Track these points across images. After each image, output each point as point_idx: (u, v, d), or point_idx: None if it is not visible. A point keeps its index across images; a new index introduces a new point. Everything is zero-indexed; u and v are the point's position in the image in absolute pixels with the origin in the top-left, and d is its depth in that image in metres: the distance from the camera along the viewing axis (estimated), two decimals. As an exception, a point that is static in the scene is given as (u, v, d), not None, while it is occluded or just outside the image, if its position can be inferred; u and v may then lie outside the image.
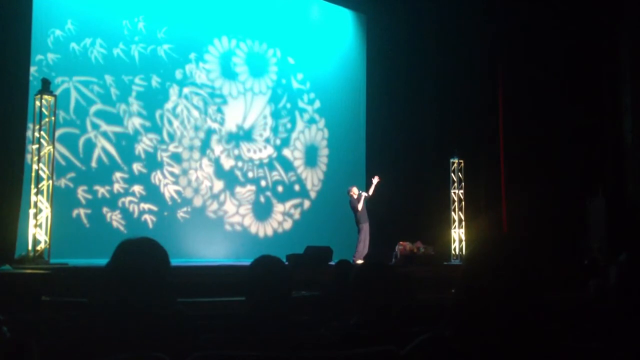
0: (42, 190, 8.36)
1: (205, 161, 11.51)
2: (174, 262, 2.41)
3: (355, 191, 11.02)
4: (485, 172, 13.32)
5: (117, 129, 10.58)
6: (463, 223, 12.95)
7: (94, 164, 10.27)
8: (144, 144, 10.84)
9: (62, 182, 9.79)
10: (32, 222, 8.19)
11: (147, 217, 10.78)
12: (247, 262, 2.74)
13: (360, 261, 10.64)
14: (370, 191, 11.09)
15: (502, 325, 1.60)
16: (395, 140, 13.14)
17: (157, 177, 10.94)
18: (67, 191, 9.88)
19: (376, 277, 2.80)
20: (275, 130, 12.53)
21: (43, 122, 8.44)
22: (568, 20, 12.23)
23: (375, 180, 11.12)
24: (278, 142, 12.56)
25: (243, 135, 12.08)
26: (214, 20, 11.87)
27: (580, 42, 12.27)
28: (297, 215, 12.73)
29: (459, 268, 1.84)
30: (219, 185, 11.66)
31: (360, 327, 2.73)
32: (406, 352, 1.97)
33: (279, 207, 12.48)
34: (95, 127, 10.33)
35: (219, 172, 11.68)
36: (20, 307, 5.61)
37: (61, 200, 9.22)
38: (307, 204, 12.90)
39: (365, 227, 10.99)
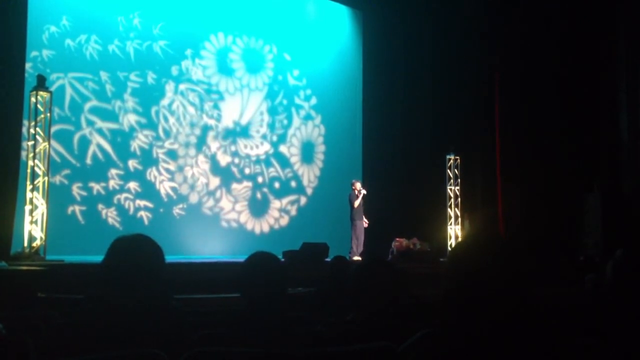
0: (38, 186, 8.35)
1: (201, 158, 11.49)
2: (170, 258, 2.41)
3: (357, 186, 11.07)
4: (481, 168, 13.33)
5: (113, 125, 10.55)
6: (459, 219, 12.97)
7: (89, 161, 10.24)
8: (140, 141, 10.82)
9: (57, 179, 9.75)
10: (27, 218, 8.19)
11: (143, 214, 10.76)
12: (243, 258, 2.74)
13: (357, 257, 10.67)
14: (357, 202, 11.03)
15: (493, 322, 1.60)
16: (391, 136, 13.15)
17: (152, 173, 10.92)
18: (62, 188, 9.85)
19: (377, 274, 2.81)
20: (271, 126, 12.51)
21: (38, 119, 8.42)
22: (564, 16, 12.23)
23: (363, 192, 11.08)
24: (275, 138, 12.55)
25: (239, 132, 12.06)
26: (210, 17, 11.84)
27: (576, 38, 12.27)
28: (293, 212, 12.73)
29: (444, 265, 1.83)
30: (215, 181, 11.64)
31: (357, 324, 2.73)
32: (403, 348, 1.97)
33: (275, 204, 12.47)
34: (90, 123, 10.31)
35: (215, 168, 11.67)
36: (16, 304, 5.60)
37: (56, 197, 9.20)
38: (303, 200, 12.89)
39: (359, 225, 11.01)
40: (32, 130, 8.38)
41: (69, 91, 10.11)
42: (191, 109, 11.45)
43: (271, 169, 12.46)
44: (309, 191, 12.99)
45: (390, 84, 13.27)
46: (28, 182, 8.30)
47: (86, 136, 10.25)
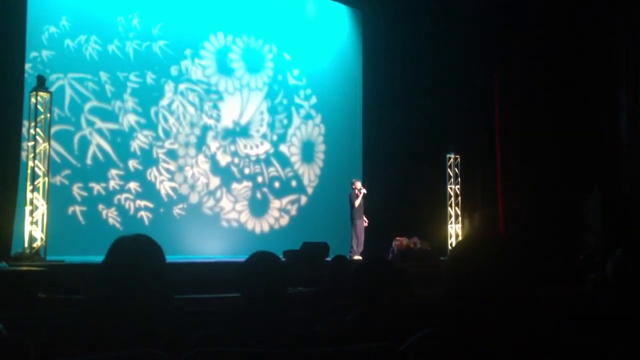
0: (38, 187, 8.34)
1: (201, 157, 11.49)
2: (170, 258, 2.40)
3: (357, 185, 11.08)
4: (481, 168, 13.33)
5: (112, 125, 10.55)
6: (459, 218, 12.97)
7: (89, 161, 10.24)
8: (140, 141, 10.81)
9: (57, 180, 9.75)
10: (28, 219, 8.18)
11: (143, 214, 10.76)
12: (243, 258, 2.74)
13: (357, 257, 10.67)
14: (358, 202, 11.02)
15: (493, 322, 1.60)
16: (391, 135, 13.15)
17: (152, 173, 10.92)
18: (62, 188, 9.85)
19: (378, 273, 2.81)
20: (271, 126, 12.51)
21: (38, 119, 8.42)
22: (564, 16, 12.23)
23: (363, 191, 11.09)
24: (275, 138, 12.55)
25: (239, 132, 12.06)
26: (210, 16, 11.83)
27: (576, 38, 12.27)
28: (293, 211, 12.72)
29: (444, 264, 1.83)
30: (215, 181, 11.64)
31: (357, 323, 2.73)
32: (403, 348, 1.97)
33: (275, 203, 12.47)
34: (90, 124, 10.30)
35: (215, 168, 11.67)
36: (16, 304, 5.60)
37: (56, 198, 9.19)
38: (303, 199, 12.89)
39: (359, 224, 11.00)
40: (32, 131, 8.38)
41: (68, 91, 10.11)
42: (191, 109, 11.45)
43: (271, 169, 12.45)
44: (309, 191, 12.99)
45: (390, 84, 13.27)
46: (28, 183, 8.29)
47: (86, 136, 10.25)
